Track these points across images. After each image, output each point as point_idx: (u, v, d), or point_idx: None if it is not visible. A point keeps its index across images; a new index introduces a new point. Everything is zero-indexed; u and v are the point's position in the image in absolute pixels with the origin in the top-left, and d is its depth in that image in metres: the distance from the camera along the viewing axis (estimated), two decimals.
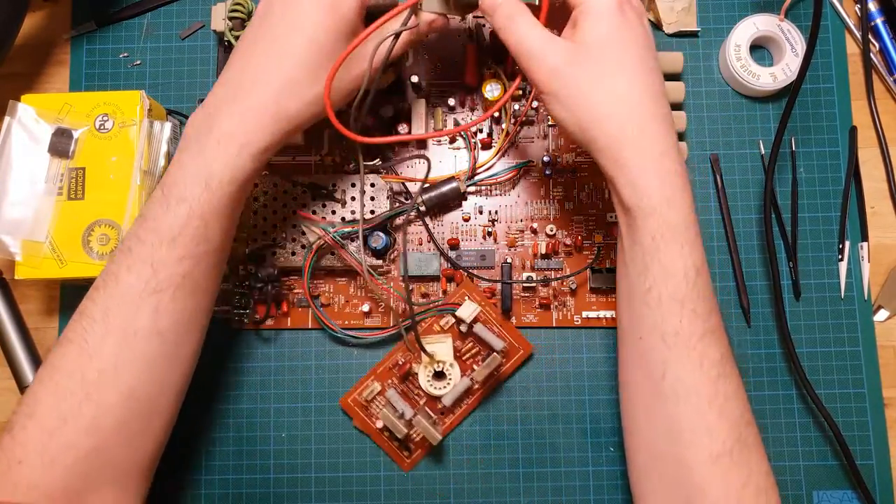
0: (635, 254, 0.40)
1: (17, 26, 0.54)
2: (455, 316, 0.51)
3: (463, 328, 0.51)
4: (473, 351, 0.52)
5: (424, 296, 0.54)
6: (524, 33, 0.41)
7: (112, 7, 0.58)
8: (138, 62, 0.58)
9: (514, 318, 0.53)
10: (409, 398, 0.52)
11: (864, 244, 0.54)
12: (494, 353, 0.50)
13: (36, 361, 0.54)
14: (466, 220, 0.55)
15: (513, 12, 0.42)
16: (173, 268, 0.40)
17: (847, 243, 0.54)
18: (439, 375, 0.52)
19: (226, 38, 0.53)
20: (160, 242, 0.39)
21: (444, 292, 0.54)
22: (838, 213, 0.55)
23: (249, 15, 0.53)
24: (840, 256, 0.54)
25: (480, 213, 0.55)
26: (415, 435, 0.52)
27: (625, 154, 0.40)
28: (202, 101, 0.41)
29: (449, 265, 0.54)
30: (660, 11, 0.56)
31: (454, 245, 0.54)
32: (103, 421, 0.39)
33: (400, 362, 0.52)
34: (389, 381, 0.52)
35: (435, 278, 0.54)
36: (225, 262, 0.45)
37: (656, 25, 0.57)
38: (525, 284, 0.53)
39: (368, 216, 0.52)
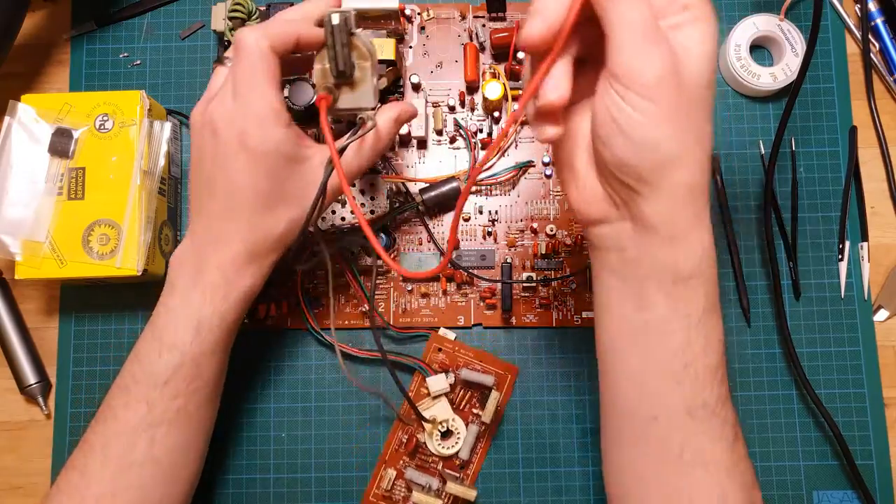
0: (675, 329, 0.36)
1: (17, 26, 0.54)
2: (426, 383, 0.50)
3: (435, 394, 0.51)
4: (467, 397, 0.52)
5: (424, 295, 0.54)
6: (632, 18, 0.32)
7: (112, 7, 0.58)
8: (138, 62, 0.58)
9: (513, 318, 0.53)
10: (426, 468, 0.51)
11: (864, 244, 0.54)
12: (492, 390, 0.50)
13: (36, 361, 0.54)
14: (466, 220, 0.55)
15: None
16: (167, 404, 0.42)
17: (847, 243, 0.54)
18: (446, 435, 0.51)
19: (226, 38, 0.53)
20: (154, 385, 0.42)
21: (444, 292, 0.54)
22: (838, 213, 0.54)
23: (250, 15, 0.53)
24: (840, 256, 0.54)
25: (480, 213, 0.55)
26: (447, 501, 0.50)
27: (699, 205, 0.34)
28: (199, 100, 0.40)
29: (449, 265, 0.54)
30: None
31: (454, 245, 0.54)
32: None
33: (404, 440, 0.52)
34: (401, 461, 0.51)
35: (435, 278, 0.54)
36: (220, 391, 0.46)
37: None
38: (525, 284, 0.53)
39: (368, 216, 0.52)
